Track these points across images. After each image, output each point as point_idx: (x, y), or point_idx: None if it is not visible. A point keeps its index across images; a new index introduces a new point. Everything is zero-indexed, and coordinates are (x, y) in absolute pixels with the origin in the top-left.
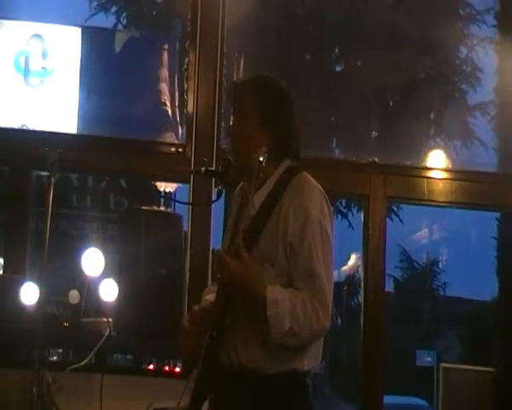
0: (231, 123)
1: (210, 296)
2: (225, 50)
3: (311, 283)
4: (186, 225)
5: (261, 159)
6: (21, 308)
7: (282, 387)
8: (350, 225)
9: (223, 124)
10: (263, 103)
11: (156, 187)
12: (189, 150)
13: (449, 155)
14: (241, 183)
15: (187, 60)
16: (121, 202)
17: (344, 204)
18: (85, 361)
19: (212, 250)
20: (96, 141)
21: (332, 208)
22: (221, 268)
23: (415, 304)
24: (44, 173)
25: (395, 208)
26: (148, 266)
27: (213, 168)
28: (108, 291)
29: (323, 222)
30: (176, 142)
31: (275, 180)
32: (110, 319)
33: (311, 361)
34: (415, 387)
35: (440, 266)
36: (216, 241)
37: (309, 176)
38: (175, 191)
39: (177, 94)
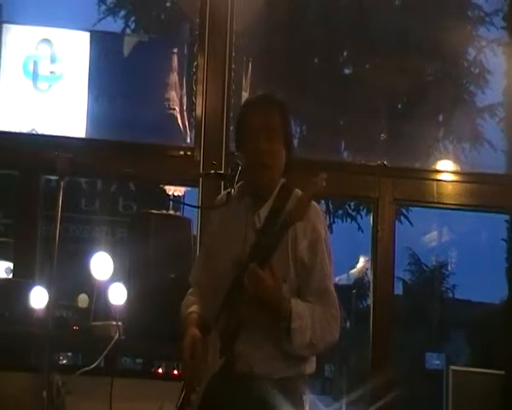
0: (265, 139)
1: (194, 308)
2: (234, 54)
3: (324, 298)
4: (195, 229)
5: (323, 176)
6: (31, 312)
7: (284, 389)
8: (359, 227)
9: (231, 127)
10: (286, 126)
11: (165, 191)
12: (197, 154)
13: (458, 158)
14: (227, 193)
15: (195, 63)
16: (130, 206)
17: (353, 207)
18: (95, 365)
19: (239, 261)
20: (105, 145)
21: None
22: (255, 282)
23: (424, 307)
24: (53, 177)
25: (404, 211)
26: (157, 269)
27: (222, 171)
28: (117, 295)
29: (328, 238)
30: (185, 145)
31: (275, 195)
32: (119, 323)
33: (312, 366)
34: (424, 391)
35: (449, 268)
36: None
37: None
38: (184, 195)
39: (185, 97)
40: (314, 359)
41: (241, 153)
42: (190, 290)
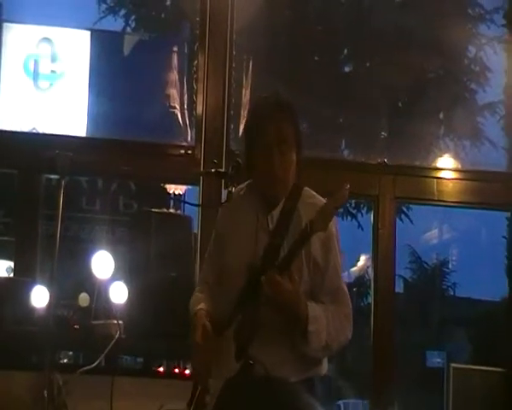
0: (278, 153)
1: (202, 305)
2: (234, 52)
3: (337, 298)
4: (196, 227)
5: (347, 187)
6: (32, 311)
7: (301, 392)
8: (359, 225)
9: (232, 126)
10: (298, 135)
11: (166, 189)
12: (198, 152)
13: (458, 155)
14: (238, 190)
15: (196, 62)
16: (131, 205)
17: (353, 205)
18: (96, 364)
19: (251, 264)
20: (106, 144)
21: None
22: (273, 287)
23: (424, 305)
24: (54, 176)
25: (405, 209)
26: (158, 268)
27: (223, 170)
28: (118, 294)
29: (339, 236)
30: (185, 144)
31: (284, 197)
32: (120, 322)
33: (325, 367)
34: (424, 388)
35: (450, 266)
36: None
37: (312, 191)
38: (184, 193)
39: (186, 96)
40: (326, 359)
41: (251, 159)
42: (198, 288)
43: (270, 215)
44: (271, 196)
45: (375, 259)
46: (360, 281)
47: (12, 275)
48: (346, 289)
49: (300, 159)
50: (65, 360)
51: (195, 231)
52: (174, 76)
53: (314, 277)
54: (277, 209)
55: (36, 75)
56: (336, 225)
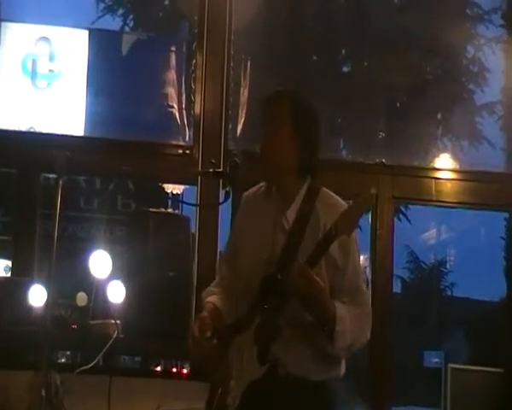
0: (266, 131)
1: (213, 298)
2: (232, 52)
3: (357, 298)
4: (193, 227)
5: (373, 191)
6: (29, 311)
7: (322, 394)
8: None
9: (230, 126)
10: (297, 115)
11: (164, 189)
12: (196, 152)
13: (456, 156)
14: (257, 188)
15: (194, 61)
16: (129, 204)
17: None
18: (93, 363)
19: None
20: (104, 143)
21: None
22: (305, 281)
23: (422, 305)
24: (52, 176)
25: (403, 208)
26: (156, 267)
27: (221, 170)
28: (116, 293)
29: (357, 237)
30: (183, 143)
31: (302, 196)
32: (118, 321)
33: (344, 368)
34: (422, 388)
35: (448, 266)
36: (223, 242)
37: (329, 191)
38: (182, 193)
39: (184, 96)
40: (344, 362)
41: None
42: (214, 282)
43: (284, 214)
44: (262, 178)
45: (373, 259)
46: None
47: (10, 274)
48: (365, 289)
49: (310, 156)
50: (63, 360)
51: (193, 230)
52: (172, 75)
53: (333, 278)
54: (292, 208)
55: (34, 74)
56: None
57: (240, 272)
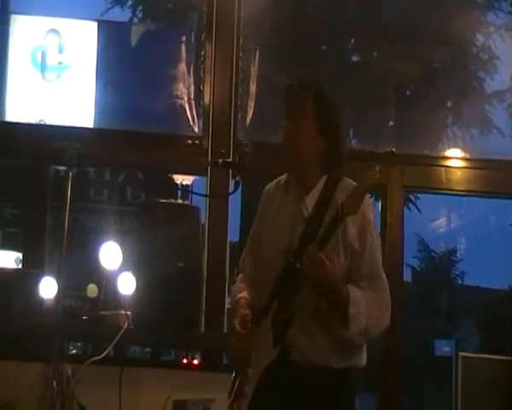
0: (288, 122)
1: (244, 294)
2: (241, 42)
3: (375, 284)
4: (203, 218)
5: (376, 174)
6: (40, 302)
7: (346, 381)
8: None
9: (239, 116)
10: (321, 109)
11: (173, 180)
12: (205, 142)
13: (466, 144)
14: (277, 181)
15: (203, 52)
16: (138, 195)
17: None
18: (104, 354)
19: (288, 249)
20: (113, 134)
21: None
22: (314, 264)
23: (433, 294)
24: (62, 168)
25: (412, 197)
26: (166, 258)
27: (230, 160)
28: (126, 284)
29: (375, 223)
30: (193, 134)
31: (322, 184)
32: (128, 312)
33: (365, 357)
34: (433, 377)
35: (458, 255)
36: (233, 233)
37: (352, 181)
38: (192, 184)
39: (193, 86)
40: (365, 351)
41: None
42: (240, 276)
43: (303, 203)
44: (284, 170)
45: (384, 248)
46: None
47: (20, 266)
48: (383, 275)
49: (334, 147)
50: (74, 351)
51: (203, 221)
52: (181, 66)
53: (351, 263)
54: (311, 195)
55: (43, 67)
56: (373, 212)
57: (261, 262)
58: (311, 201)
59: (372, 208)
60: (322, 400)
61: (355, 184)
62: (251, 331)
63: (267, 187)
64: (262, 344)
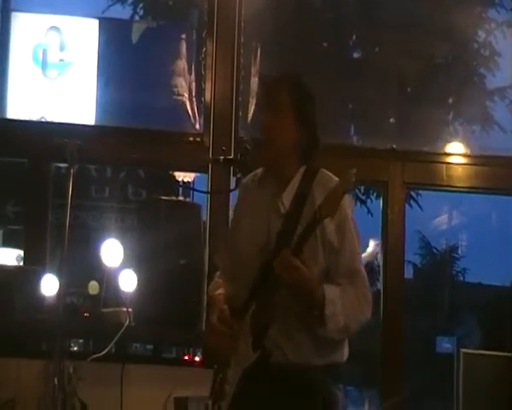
0: (265, 116)
1: (222, 290)
2: (242, 39)
3: (355, 280)
4: (205, 215)
5: (353, 171)
6: (42, 299)
7: (325, 378)
8: (368, 211)
9: (240, 113)
10: (299, 102)
11: (174, 177)
12: (207, 139)
13: (467, 140)
14: (254, 174)
15: (204, 49)
16: (140, 193)
17: (362, 191)
18: (106, 351)
19: (265, 248)
20: (114, 132)
21: None
22: (286, 269)
23: (434, 290)
24: (63, 165)
25: (414, 194)
26: (167, 255)
27: (232, 157)
28: (128, 282)
29: (354, 218)
30: (194, 131)
31: (299, 179)
32: (130, 309)
33: (346, 353)
34: (434, 374)
35: (460, 251)
36: None
37: (329, 172)
38: (193, 181)
39: (194, 83)
40: (347, 346)
41: None
42: (218, 273)
43: (280, 198)
44: (263, 163)
45: (385, 245)
46: (369, 267)
47: (22, 264)
48: (363, 270)
49: (310, 138)
50: (75, 348)
51: (204, 218)
52: (182, 63)
53: (330, 259)
54: (288, 190)
55: (44, 64)
56: (351, 206)
57: (239, 258)
58: (287, 197)
59: (351, 204)
60: (303, 398)
61: (332, 175)
62: (228, 327)
63: (244, 180)
64: (241, 346)
